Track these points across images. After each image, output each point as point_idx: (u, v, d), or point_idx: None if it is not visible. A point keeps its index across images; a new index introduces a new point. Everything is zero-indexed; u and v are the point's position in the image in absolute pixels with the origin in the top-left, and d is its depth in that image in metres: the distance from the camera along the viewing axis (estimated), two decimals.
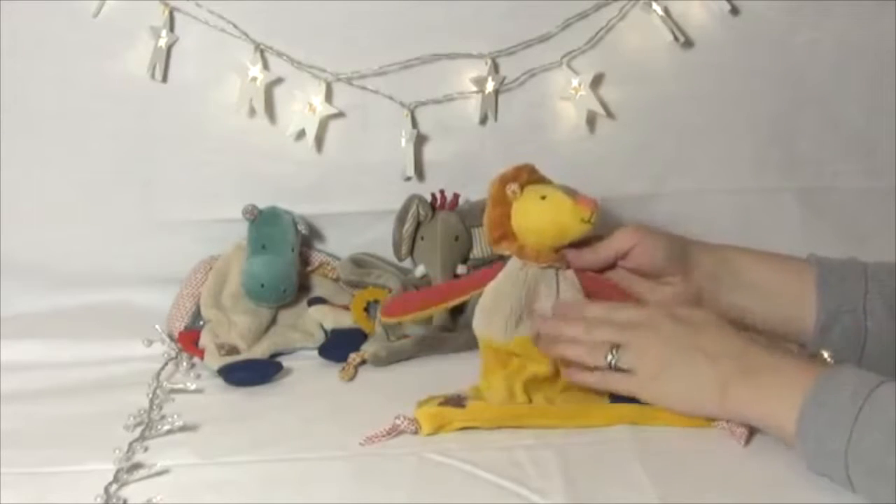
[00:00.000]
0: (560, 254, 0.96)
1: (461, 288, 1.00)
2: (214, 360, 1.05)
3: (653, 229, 0.97)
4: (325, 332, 1.13)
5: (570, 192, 0.95)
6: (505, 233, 0.96)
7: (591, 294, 0.96)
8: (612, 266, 0.98)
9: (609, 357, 0.90)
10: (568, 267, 0.96)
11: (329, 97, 1.17)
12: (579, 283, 0.96)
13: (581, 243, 0.97)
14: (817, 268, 0.95)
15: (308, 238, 1.19)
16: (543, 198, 0.94)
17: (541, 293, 0.95)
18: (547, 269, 0.95)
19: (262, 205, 1.16)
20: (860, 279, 0.94)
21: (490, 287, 0.96)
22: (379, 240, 1.18)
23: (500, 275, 0.96)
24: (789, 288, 0.95)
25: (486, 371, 0.96)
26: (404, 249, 1.15)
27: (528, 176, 0.97)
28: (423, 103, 1.19)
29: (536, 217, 0.95)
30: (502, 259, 0.98)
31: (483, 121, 1.19)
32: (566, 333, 0.93)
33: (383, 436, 0.90)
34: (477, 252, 1.16)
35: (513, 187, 0.95)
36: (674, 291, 0.96)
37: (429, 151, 1.20)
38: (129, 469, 0.86)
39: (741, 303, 0.96)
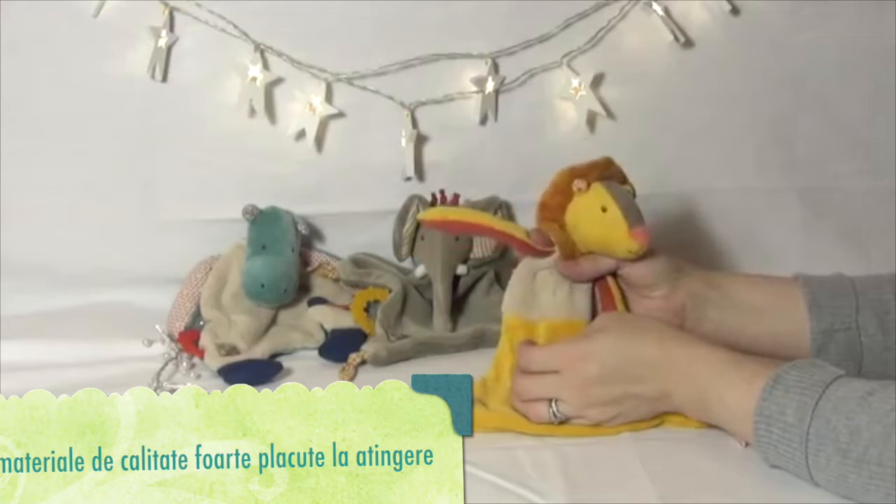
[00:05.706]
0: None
1: None
2: (214, 360, 1.05)
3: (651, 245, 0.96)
4: (325, 332, 1.12)
5: (631, 215, 0.90)
6: (555, 219, 0.94)
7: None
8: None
9: (551, 411, 0.89)
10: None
11: (329, 97, 1.17)
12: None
13: None
14: (806, 288, 0.95)
15: (308, 238, 1.19)
16: (604, 210, 0.91)
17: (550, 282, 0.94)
18: None
19: (262, 205, 1.16)
20: (850, 296, 0.93)
21: (522, 263, 0.94)
22: (379, 240, 1.18)
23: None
24: (780, 310, 0.95)
25: (499, 363, 0.95)
26: (404, 249, 1.15)
27: (599, 173, 0.94)
28: (423, 103, 1.19)
29: (590, 226, 0.92)
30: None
31: (483, 121, 1.19)
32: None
33: None
34: (477, 252, 1.16)
35: (580, 184, 0.93)
36: (656, 306, 0.95)
37: (429, 151, 1.20)
38: None
39: (734, 323, 0.95)
